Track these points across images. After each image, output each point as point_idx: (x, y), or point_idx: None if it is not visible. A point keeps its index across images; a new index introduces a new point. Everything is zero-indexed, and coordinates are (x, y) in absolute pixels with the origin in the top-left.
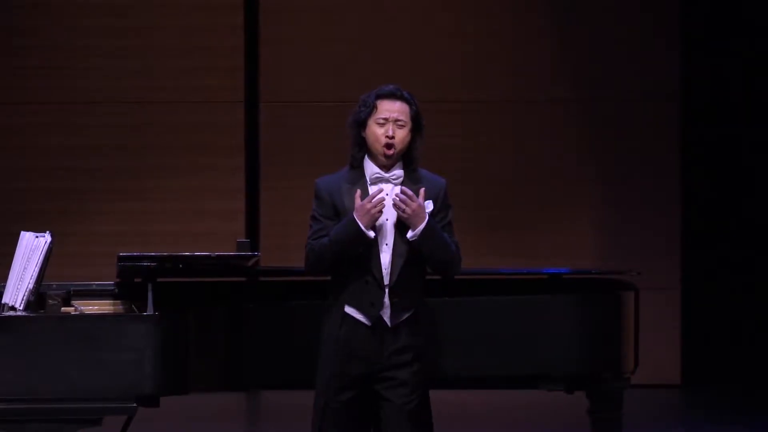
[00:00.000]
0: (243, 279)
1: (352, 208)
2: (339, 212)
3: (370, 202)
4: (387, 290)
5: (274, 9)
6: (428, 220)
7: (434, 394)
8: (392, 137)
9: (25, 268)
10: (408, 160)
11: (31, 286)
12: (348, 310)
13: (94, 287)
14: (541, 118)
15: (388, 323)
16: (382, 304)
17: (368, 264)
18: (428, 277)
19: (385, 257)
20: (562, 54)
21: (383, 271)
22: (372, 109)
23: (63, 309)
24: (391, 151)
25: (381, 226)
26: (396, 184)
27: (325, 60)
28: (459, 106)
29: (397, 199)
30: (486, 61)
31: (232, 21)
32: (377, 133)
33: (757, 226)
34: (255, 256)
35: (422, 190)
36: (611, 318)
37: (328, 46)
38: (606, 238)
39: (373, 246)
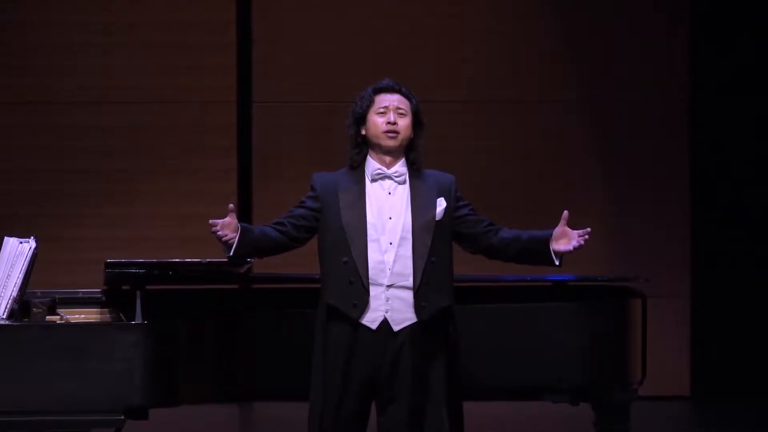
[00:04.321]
0: (235, 286)
1: (346, 209)
2: (331, 208)
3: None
4: (372, 291)
5: (267, 6)
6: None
7: None
8: (395, 122)
9: (8, 275)
10: (410, 158)
11: (14, 293)
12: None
13: (80, 295)
14: (546, 119)
15: (393, 328)
16: (365, 305)
17: (353, 264)
18: None
19: (389, 257)
20: (566, 54)
21: (382, 271)
22: (370, 102)
23: (48, 317)
24: (394, 136)
25: (383, 225)
26: (399, 182)
27: (320, 59)
28: (460, 107)
29: (583, 241)
30: (489, 62)
31: (223, 18)
32: (378, 122)
33: None
34: (247, 262)
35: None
36: (618, 327)
37: (323, 45)
38: (612, 244)
39: (359, 244)
